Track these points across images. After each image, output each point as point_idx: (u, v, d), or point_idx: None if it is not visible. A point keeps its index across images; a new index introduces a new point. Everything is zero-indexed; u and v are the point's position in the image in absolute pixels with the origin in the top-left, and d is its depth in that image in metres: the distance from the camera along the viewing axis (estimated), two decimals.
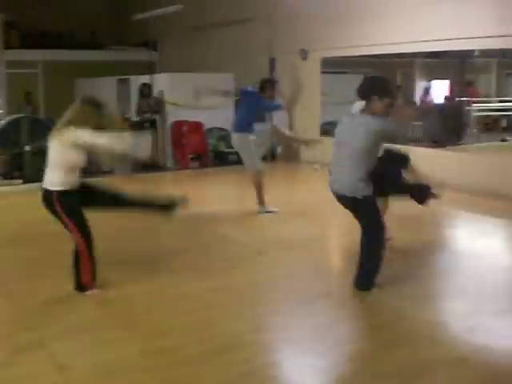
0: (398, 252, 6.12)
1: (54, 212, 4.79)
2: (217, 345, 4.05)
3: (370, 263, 4.90)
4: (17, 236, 7.01)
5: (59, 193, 4.74)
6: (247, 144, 7.81)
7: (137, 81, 12.96)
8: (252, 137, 7.80)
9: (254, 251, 6.23)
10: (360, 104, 5.43)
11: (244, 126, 7.79)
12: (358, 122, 4.91)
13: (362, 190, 4.76)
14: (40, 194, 4.83)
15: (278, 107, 8.42)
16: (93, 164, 4.66)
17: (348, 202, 4.93)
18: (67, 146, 4.68)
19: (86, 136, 4.67)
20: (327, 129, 12.59)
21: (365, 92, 5.01)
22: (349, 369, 3.81)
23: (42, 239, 6.70)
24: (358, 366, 3.83)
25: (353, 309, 4.42)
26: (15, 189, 9.75)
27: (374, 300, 4.79)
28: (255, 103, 7.80)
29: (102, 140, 4.69)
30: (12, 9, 15.37)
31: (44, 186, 4.82)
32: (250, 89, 8.12)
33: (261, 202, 7.87)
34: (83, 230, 4.82)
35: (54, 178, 4.77)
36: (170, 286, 5.22)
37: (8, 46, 15.33)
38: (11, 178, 10.14)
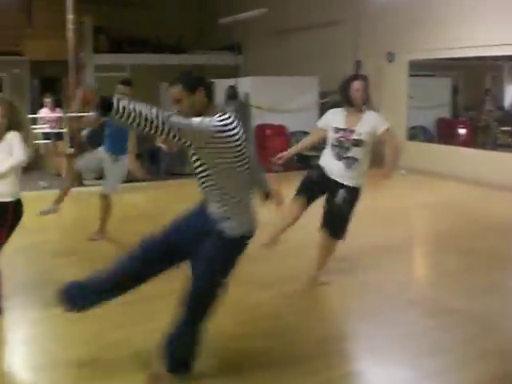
0: (484, 262, 5.94)
1: None
2: (298, 351, 4.00)
3: None
4: None
5: None
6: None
7: (221, 84, 13.04)
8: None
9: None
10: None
11: None
12: None
13: None
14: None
15: None
16: None
17: None
18: None
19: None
20: (413, 133, 12.35)
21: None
22: (438, 381, 3.70)
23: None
24: (447, 378, 3.71)
25: (440, 320, 4.30)
26: None
27: (461, 312, 4.64)
28: None
29: None
30: (100, 15, 15.83)
31: None
32: None
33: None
34: None
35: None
36: (245, 294, 5.08)
37: (97, 51, 15.77)
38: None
